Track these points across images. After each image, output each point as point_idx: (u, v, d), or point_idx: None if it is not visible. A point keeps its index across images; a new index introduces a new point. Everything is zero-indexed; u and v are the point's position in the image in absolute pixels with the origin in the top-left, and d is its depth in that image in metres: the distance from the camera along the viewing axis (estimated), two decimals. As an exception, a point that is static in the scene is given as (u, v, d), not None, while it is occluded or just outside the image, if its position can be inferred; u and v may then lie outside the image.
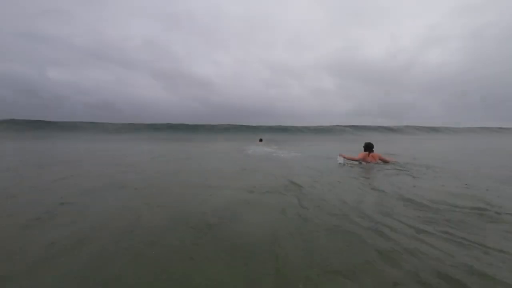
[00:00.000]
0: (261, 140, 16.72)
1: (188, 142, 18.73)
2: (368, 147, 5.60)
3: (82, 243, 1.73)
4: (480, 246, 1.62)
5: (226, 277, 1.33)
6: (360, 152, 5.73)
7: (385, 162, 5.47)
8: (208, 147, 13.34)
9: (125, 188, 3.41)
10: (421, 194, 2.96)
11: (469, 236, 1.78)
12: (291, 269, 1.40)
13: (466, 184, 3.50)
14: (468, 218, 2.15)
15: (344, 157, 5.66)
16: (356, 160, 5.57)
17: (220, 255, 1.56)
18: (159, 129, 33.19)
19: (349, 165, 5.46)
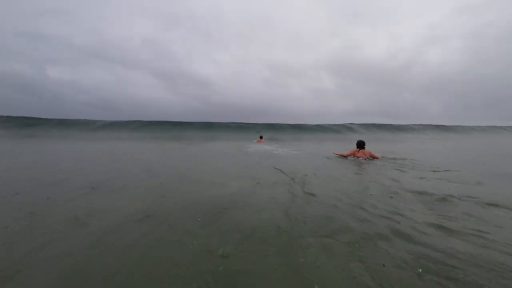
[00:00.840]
0: (261, 137, 16.08)
1: (188, 141, 18.42)
2: (360, 145, 6.23)
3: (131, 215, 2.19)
4: (440, 228, 2.15)
5: (237, 251, 1.80)
6: (351, 149, 6.45)
7: (375, 157, 6.08)
8: (209, 148, 13.13)
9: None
10: (396, 183, 3.51)
11: (434, 217, 2.32)
12: (294, 238, 1.90)
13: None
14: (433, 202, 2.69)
15: (336, 154, 6.40)
16: (345, 156, 6.29)
17: (231, 233, 2.05)
18: (158, 126, 32.17)
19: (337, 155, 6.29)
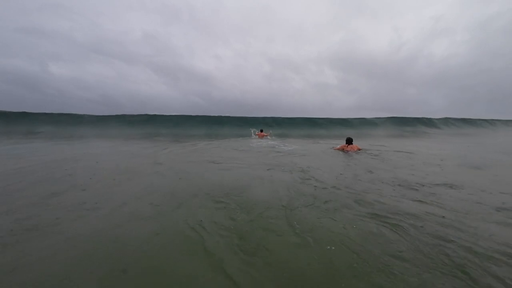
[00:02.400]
0: (261, 130, 14.71)
1: (190, 141, 12.43)
2: (348, 141, 7.31)
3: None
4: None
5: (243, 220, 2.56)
6: (341, 144, 7.66)
7: (360, 150, 7.06)
8: (211, 148, 12.64)
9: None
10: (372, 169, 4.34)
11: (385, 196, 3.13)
12: (292, 207, 2.68)
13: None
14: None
15: (334, 149, 7.59)
16: (339, 149, 7.42)
17: (240, 205, 2.81)
18: (158, 122, 25.78)
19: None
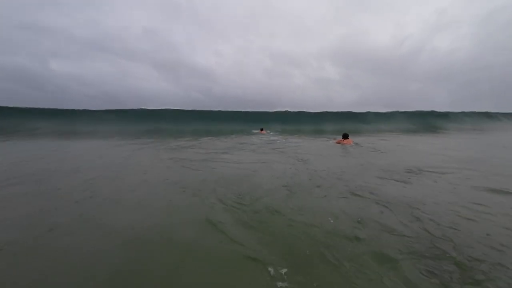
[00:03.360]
0: (261, 129, 16.19)
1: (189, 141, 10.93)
2: (345, 136, 8.07)
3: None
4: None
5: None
6: (338, 138, 8.43)
7: (355, 144, 7.57)
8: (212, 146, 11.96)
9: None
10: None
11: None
12: (293, 190, 2.96)
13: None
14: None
15: (335, 142, 8.33)
16: (337, 143, 8.16)
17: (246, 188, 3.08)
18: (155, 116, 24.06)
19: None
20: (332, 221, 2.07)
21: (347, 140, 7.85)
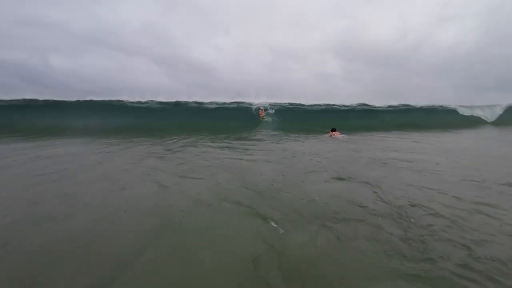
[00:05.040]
0: (261, 109, 15.79)
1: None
2: (333, 129, 9.16)
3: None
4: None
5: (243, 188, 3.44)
6: (329, 132, 9.33)
7: (343, 136, 8.45)
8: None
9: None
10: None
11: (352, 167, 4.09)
12: (289, 176, 3.58)
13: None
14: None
15: (328, 135, 9.10)
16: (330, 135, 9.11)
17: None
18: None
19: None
20: (317, 198, 2.70)
21: (335, 133, 9.01)
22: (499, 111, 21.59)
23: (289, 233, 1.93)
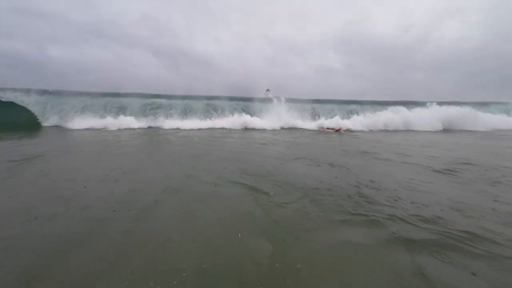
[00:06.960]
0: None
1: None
2: (328, 127, 9.46)
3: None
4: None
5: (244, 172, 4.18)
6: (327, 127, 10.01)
7: (337, 130, 9.07)
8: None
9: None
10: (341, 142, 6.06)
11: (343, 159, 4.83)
12: (283, 161, 4.32)
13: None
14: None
15: (325, 130, 9.94)
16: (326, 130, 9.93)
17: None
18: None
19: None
20: (303, 179, 3.45)
21: (330, 128, 9.87)
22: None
23: (276, 197, 2.69)
